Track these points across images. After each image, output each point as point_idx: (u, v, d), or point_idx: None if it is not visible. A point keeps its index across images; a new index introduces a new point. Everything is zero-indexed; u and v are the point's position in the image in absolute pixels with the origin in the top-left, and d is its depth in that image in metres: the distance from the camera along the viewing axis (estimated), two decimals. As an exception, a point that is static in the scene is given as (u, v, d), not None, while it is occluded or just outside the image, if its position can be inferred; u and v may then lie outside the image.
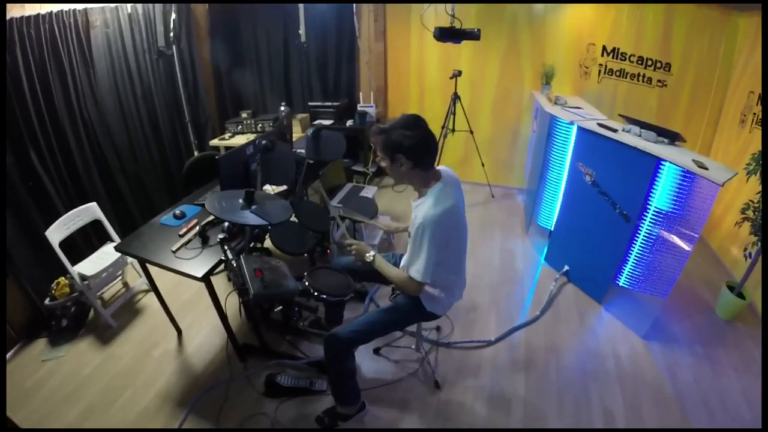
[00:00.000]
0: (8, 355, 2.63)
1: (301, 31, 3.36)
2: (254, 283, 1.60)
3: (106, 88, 3.35)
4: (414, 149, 1.61)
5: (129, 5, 3.36)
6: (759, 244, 2.59)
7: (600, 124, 2.73)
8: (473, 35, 2.54)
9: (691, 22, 3.65)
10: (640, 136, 2.54)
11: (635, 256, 2.60)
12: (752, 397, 2.22)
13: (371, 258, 1.86)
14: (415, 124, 1.64)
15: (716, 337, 2.64)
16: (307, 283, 1.87)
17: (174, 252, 2.17)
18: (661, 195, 2.37)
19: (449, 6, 2.55)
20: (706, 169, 2.11)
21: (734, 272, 3.11)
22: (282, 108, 3.15)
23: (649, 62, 3.87)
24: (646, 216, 2.47)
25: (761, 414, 2.11)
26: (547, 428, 2.10)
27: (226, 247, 1.91)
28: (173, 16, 3.47)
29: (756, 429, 2.10)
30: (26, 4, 2.69)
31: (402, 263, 1.97)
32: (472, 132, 4.29)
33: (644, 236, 2.52)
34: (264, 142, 2.28)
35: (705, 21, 3.61)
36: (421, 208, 1.68)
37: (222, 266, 2.04)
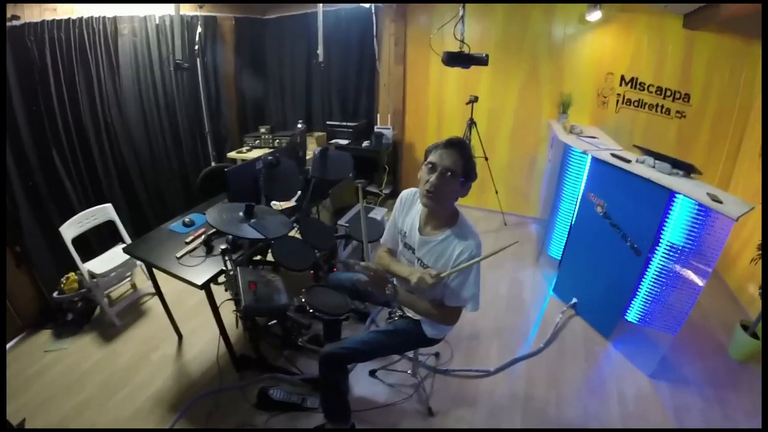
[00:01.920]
0: (13, 342, 2.72)
1: (319, 51, 3.44)
2: (247, 295, 1.62)
3: (131, 96, 3.47)
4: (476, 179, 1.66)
5: (157, 17, 3.50)
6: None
7: (614, 155, 2.69)
8: (481, 60, 2.55)
9: (711, 52, 3.60)
10: (654, 167, 2.50)
11: (645, 290, 2.53)
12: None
13: (391, 292, 1.69)
14: None
15: (728, 379, 2.52)
16: (303, 300, 1.88)
17: (178, 258, 2.21)
18: (674, 229, 2.31)
19: (458, 31, 2.57)
20: (721, 203, 2.05)
21: (750, 311, 2.99)
22: (298, 125, 3.21)
23: (668, 93, 3.81)
24: (658, 250, 2.40)
25: (761, 414, 2.05)
26: (545, 428, 2.04)
27: (227, 258, 1.94)
28: (199, 29, 3.59)
29: (756, 429, 2.04)
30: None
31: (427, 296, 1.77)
32: (486, 159, 4.27)
33: (655, 271, 2.45)
34: (269, 158, 2.32)
35: (726, 51, 3.56)
36: (457, 241, 1.62)
37: (223, 276, 2.07)
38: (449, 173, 1.55)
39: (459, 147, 1.58)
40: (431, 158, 1.59)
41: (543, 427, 2.17)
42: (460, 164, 1.56)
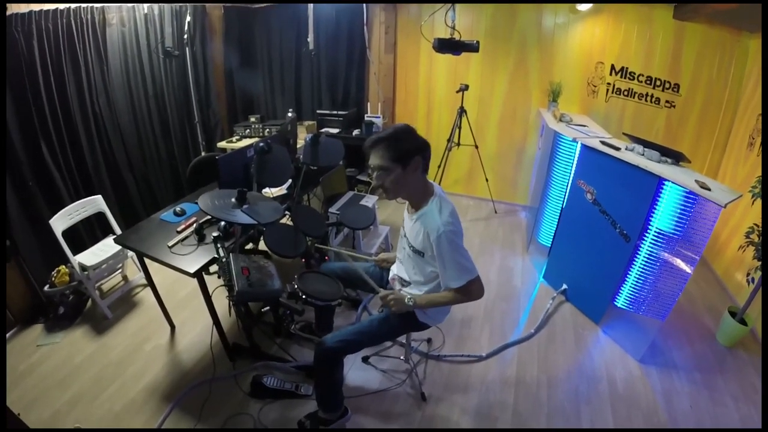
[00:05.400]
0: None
1: (310, 39, 3.42)
2: (240, 280, 1.62)
3: (119, 85, 3.43)
4: (425, 149, 1.64)
5: (145, 6, 3.45)
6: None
7: (603, 142, 2.71)
8: (472, 47, 2.55)
9: (701, 43, 3.63)
10: (643, 155, 2.52)
11: (634, 276, 2.55)
12: (750, 427, 2.14)
13: (412, 302, 1.74)
14: (410, 129, 1.66)
15: (716, 364, 2.57)
16: (296, 286, 1.88)
17: (170, 247, 2.20)
18: (663, 215, 2.33)
19: (449, 18, 2.57)
20: (709, 190, 2.07)
21: (738, 298, 3.03)
22: (289, 114, 3.20)
23: (658, 82, 3.84)
24: (647, 236, 2.43)
25: (761, 414, 2.06)
26: (542, 428, 2.06)
27: (218, 245, 1.94)
28: (188, 18, 3.55)
29: (756, 429, 2.06)
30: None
31: (410, 279, 1.88)
32: (477, 147, 4.30)
33: (644, 257, 2.47)
34: (261, 144, 2.31)
35: (715, 42, 3.59)
36: (427, 219, 1.66)
37: (215, 264, 2.06)
38: (380, 170, 1.63)
39: (377, 142, 1.62)
40: (369, 161, 1.67)
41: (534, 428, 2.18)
42: (386, 157, 1.60)
